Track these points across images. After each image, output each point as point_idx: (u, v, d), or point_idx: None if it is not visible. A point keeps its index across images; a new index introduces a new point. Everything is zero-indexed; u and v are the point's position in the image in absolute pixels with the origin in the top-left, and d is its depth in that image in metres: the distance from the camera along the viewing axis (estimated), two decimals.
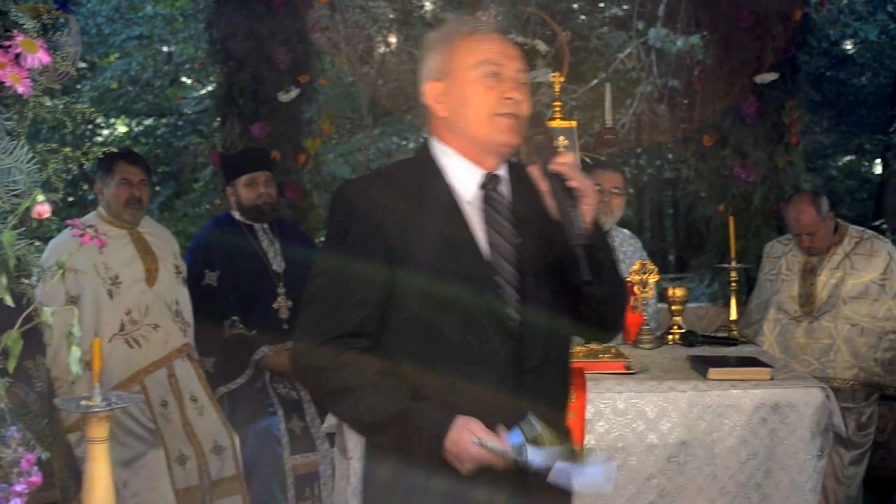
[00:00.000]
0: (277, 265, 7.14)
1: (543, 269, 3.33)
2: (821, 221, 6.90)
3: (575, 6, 15.53)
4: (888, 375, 6.86)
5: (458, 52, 3.34)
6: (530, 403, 3.22)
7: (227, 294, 6.95)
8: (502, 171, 3.42)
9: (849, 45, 17.15)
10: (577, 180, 3.19)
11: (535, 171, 3.25)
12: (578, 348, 5.50)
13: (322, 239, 7.19)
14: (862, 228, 7.23)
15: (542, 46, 8.00)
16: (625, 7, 14.21)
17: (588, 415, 5.08)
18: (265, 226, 7.18)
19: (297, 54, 9.26)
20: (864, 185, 21.22)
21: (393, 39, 17.46)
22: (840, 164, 21.94)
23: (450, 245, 3.25)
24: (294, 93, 9.13)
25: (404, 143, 17.38)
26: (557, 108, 5.97)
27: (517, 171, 3.46)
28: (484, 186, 3.36)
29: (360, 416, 3.27)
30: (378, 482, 3.40)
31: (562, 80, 6.16)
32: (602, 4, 15.46)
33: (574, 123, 5.96)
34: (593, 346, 5.63)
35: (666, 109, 13.79)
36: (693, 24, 10.35)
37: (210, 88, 15.32)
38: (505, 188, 3.41)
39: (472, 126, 3.32)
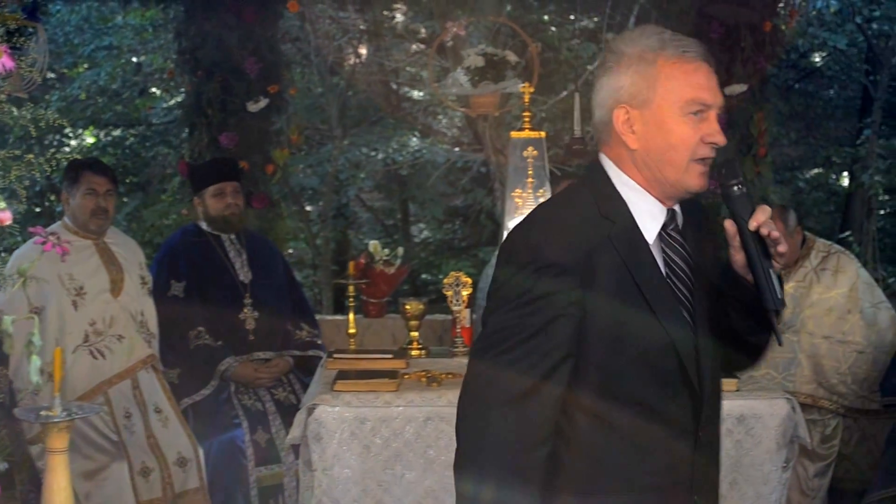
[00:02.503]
0: (244, 276, 7.11)
1: (707, 317, 3.09)
2: (788, 235, 6.88)
3: (546, 17, 15.56)
4: (850, 393, 6.86)
5: (664, 80, 2.95)
6: (702, 460, 3.05)
7: (192, 305, 6.92)
8: (677, 206, 3.09)
9: (817, 58, 17.24)
10: (778, 240, 2.92)
11: (729, 226, 2.97)
12: None
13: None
14: (829, 243, 7.24)
15: (512, 57, 8.02)
16: (595, 19, 14.24)
17: None
18: (232, 236, 7.15)
19: (266, 64, 9.24)
20: (831, 197, 21.31)
21: (363, 51, 17.47)
22: (808, 176, 22.03)
23: (641, 297, 2.92)
24: (263, 103, 9.11)
25: (373, 153, 17.36)
26: (527, 119, 5.96)
27: (683, 205, 3.14)
28: (664, 227, 3.04)
29: None
30: None
31: (532, 90, 6.16)
32: (573, 17, 15.49)
33: (544, 134, 5.97)
34: None
35: None
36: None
37: (179, 99, 15.31)
38: (679, 226, 3.10)
39: (666, 168, 2.97)
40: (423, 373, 5.50)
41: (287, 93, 9.71)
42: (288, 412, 6.43)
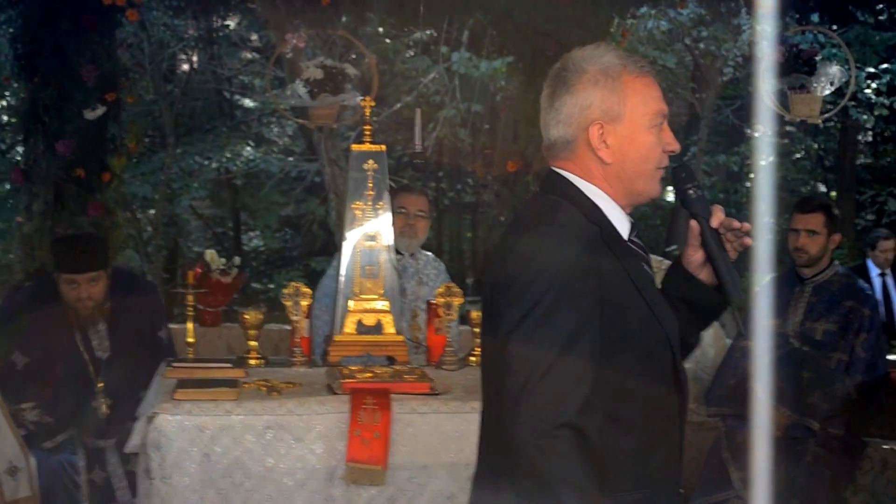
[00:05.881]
0: (103, 352, 6.58)
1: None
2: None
3: (381, 30, 15.65)
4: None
5: (632, 95, 3.04)
6: (681, 453, 3.14)
7: (33, 382, 6.43)
8: None
9: None
10: (747, 229, 3.14)
11: (694, 226, 3.16)
12: (385, 369, 5.57)
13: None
14: (659, 258, 7.40)
15: (351, 70, 8.08)
16: (428, 32, 14.38)
17: (392, 435, 5.14)
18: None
19: (104, 72, 9.15)
20: (657, 211, 21.74)
21: (196, 58, 17.38)
22: None
23: (643, 298, 3.01)
24: (101, 110, 9.02)
25: (206, 162, 17.27)
26: (367, 132, 6.03)
27: None
28: (630, 234, 3.13)
29: None
30: None
31: (372, 104, 6.22)
32: (406, 29, 15.61)
33: (384, 147, 6.04)
34: (398, 367, 5.71)
35: (468, 134, 14.00)
36: (497, 50, 10.54)
37: (4, 103, 15.05)
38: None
39: (638, 179, 3.07)
40: (263, 382, 5.52)
41: (125, 100, 9.64)
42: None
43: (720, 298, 3.24)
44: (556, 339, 2.81)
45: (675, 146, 3.10)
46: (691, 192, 3.18)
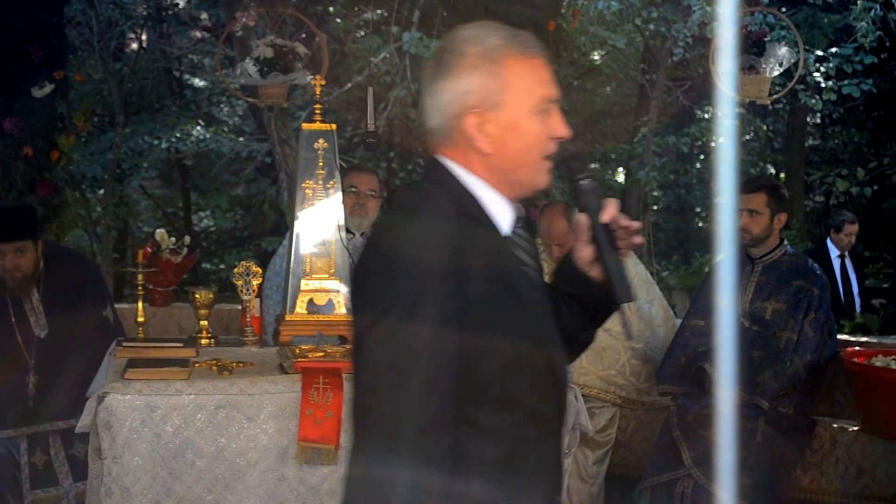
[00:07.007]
0: (39, 330, 6.49)
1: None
2: (572, 233, 7.05)
3: (331, 9, 15.62)
4: (629, 385, 7.08)
5: (514, 80, 2.82)
6: (560, 459, 3.01)
7: None
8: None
9: (596, 56, 17.66)
10: (636, 227, 2.96)
11: (582, 220, 2.95)
12: (337, 349, 5.56)
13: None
14: None
15: (301, 49, 8.06)
16: (379, 11, 14.35)
17: (345, 414, 5.13)
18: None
19: (52, 49, 9.09)
20: (607, 192, 21.78)
21: (145, 37, 17.29)
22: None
23: (516, 296, 2.82)
24: (48, 88, 8.98)
25: (156, 142, 17.18)
26: (318, 111, 6.01)
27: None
28: (513, 225, 2.94)
29: None
30: None
31: (323, 83, 6.21)
32: (357, 8, 15.58)
33: (334, 126, 6.02)
34: (349, 346, 5.69)
35: (419, 114, 14.01)
36: (448, 30, 10.53)
37: None
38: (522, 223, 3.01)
39: (520, 169, 2.87)
40: (214, 361, 5.50)
41: (73, 79, 9.59)
42: (67, 433, 6.21)
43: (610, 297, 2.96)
44: (412, 343, 2.63)
45: (563, 132, 2.89)
46: (584, 182, 2.96)
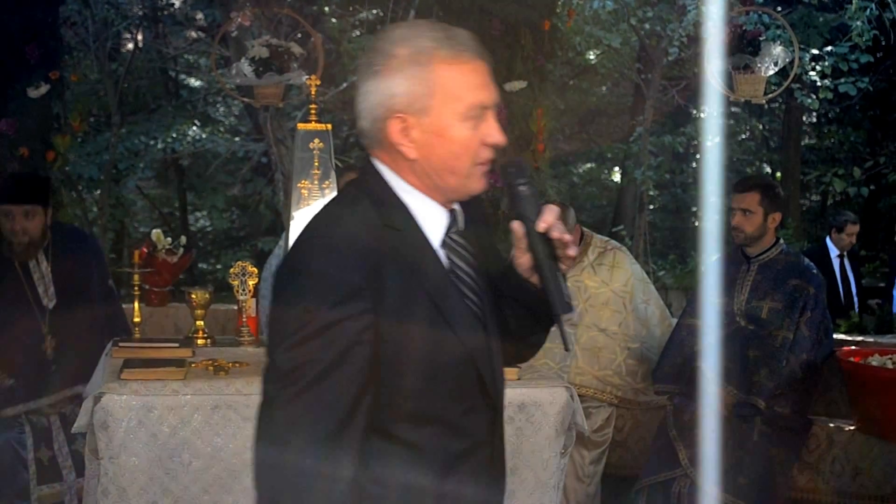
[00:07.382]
0: (48, 300, 6.58)
1: (494, 317, 2.95)
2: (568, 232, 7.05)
3: (326, 9, 15.61)
4: (625, 385, 7.08)
5: (441, 84, 2.72)
6: (496, 472, 2.95)
7: None
8: (457, 206, 2.91)
9: (592, 56, 17.64)
10: (569, 243, 2.82)
11: (517, 228, 2.82)
12: None
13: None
14: (606, 239, 7.43)
15: (297, 49, 8.05)
16: (374, 11, 14.35)
17: None
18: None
19: (47, 50, 9.08)
20: (603, 191, 21.86)
21: (141, 37, 17.27)
22: (581, 170, 22.57)
23: (435, 308, 2.74)
24: (44, 89, 8.96)
25: (152, 142, 17.16)
26: (313, 111, 6.01)
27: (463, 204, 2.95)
28: (447, 231, 2.85)
29: None
30: None
31: (318, 83, 6.21)
32: (352, 8, 15.58)
33: (330, 126, 6.02)
34: None
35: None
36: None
37: None
38: (461, 225, 2.91)
39: (448, 176, 2.78)
40: (210, 361, 5.52)
41: (69, 79, 9.57)
42: (69, 424, 6.20)
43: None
44: (314, 365, 2.60)
45: (497, 138, 2.79)
46: (521, 188, 2.84)
